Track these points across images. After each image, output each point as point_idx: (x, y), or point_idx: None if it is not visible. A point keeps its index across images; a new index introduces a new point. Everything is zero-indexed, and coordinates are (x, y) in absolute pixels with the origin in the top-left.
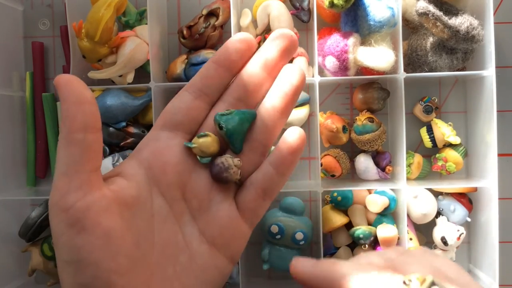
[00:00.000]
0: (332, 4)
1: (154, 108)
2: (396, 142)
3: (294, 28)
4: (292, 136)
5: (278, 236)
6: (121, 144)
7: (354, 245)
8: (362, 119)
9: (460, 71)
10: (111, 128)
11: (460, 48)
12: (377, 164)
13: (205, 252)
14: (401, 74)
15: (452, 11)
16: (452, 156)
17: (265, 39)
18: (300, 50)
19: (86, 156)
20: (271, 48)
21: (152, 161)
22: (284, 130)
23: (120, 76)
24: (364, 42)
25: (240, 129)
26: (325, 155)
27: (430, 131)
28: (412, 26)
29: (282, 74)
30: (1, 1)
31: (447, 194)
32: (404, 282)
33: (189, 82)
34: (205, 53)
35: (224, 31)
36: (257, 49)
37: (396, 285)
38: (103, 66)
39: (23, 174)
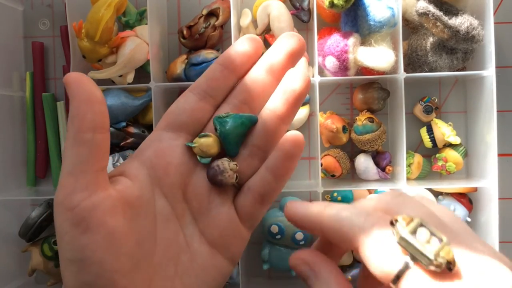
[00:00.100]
0: (332, 4)
1: (154, 108)
2: (396, 142)
3: (294, 28)
4: (289, 141)
5: (278, 236)
6: (121, 144)
7: None
8: (362, 119)
9: (460, 71)
10: (111, 128)
11: (460, 48)
12: (377, 164)
13: (205, 252)
14: (401, 74)
15: (452, 11)
16: (452, 156)
17: (265, 39)
18: None
19: (94, 156)
20: (277, 51)
21: (154, 162)
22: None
23: (120, 76)
24: (364, 42)
25: (234, 132)
26: (325, 155)
27: (430, 131)
28: (412, 26)
29: (285, 79)
30: (1, 1)
31: (447, 194)
32: (391, 222)
33: (194, 83)
34: (205, 53)
35: (224, 31)
36: (263, 49)
37: (383, 225)
38: (103, 66)
39: (23, 174)
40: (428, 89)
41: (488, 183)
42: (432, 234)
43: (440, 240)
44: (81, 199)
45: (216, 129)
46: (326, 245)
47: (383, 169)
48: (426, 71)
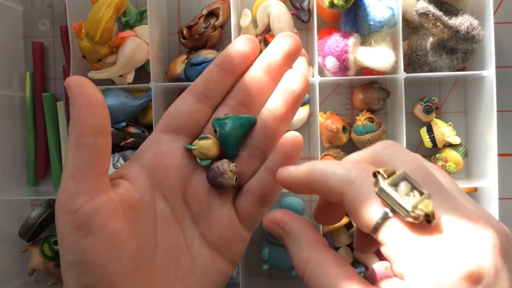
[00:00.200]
0: (332, 4)
1: (154, 108)
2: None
3: (294, 28)
4: (289, 142)
5: None
6: (121, 144)
7: None
8: (362, 119)
9: (460, 71)
10: (111, 128)
11: (460, 48)
12: None
13: (206, 255)
14: (401, 74)
15: (452, 11)
16: (452, 156)
17: (265, 39)
18: None
19: (95, 160)
20: (274, 52)
21: (154, 164)
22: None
23: (120, 76)
24: (364, 42)
25: (234, 134)
26: (325, 155)
27: (430, 131)
28: (412, 26)
29: (284, 80)
30: (1, 1)
31: None
32: (374, 174)
33: (192, 85)
34: (205, 53)
35: (224, 31)
36: (260, 49)
37: (366, 176)
38: (103, 66)
39: (23, 174)
40: (428, 89)
41: (488, 183)
42: (414, 187)
43: (422, 193)
44: (82, 203)
45: (215, 131)
46: (324, 208)
47: None
48: (426, 71)
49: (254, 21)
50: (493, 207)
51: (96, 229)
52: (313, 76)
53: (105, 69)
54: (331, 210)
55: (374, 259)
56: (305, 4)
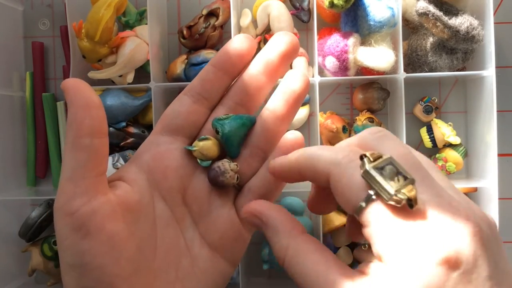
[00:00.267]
0: (332, 4)
1: (154, 108)
2: None
3: (294, 28)
4: (290, 141)
5: None
6: (121, 144)
7: (354, 245)
8: (362, 119)
9: (460, 71)
10: (111, 128)
11: (460, 48)
12: None
13: (206, 256)
14: (401, 74)
15: (452, 11)
16: (452, 156)
17: (265, 39)
18: (300, 50)
19: (92, 161)
20: (271, 52)
21: (152, 166)
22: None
23: (120, 76)
24: (364, 42)
25: (236, 134)
26: None
27: (430, 131)
28: (412, 26)
29: (285, 80)
30: (1, 1)
31: None
32: (361, 157)
33: (189, 85)
34: (205, 53)
35: (224, 31)
36: (257, 49)
37: (353, 159)
38: (103, 66)
39: (23, 174)
40: (428, 89)
41: (488, 183)
42: (399, 172)
43: (406, 178)
44: (80, 204)
45: (217, 132)
46: (317, 196)
47: None
48: (426, 71)
49: (254, 21)
50: (493, 207)
51: (94, 230)
52: (313, 76)
53: (105, 69)
54: (324, 198)
55: (374, 258)
56: (305, 4)
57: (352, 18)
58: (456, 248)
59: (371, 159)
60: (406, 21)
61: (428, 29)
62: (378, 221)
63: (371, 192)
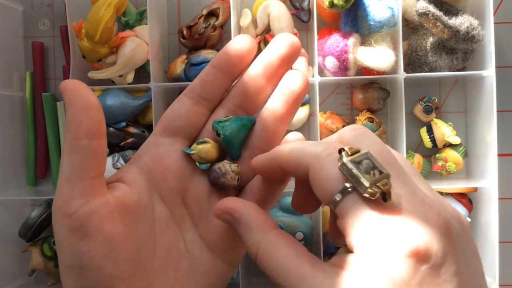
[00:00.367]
0: (332, 4)
1: (154, 108)
2: (396, 142)
3: (294, 28)
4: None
5: None
6: (121, 144)
7: None
8: (362, 119)
9: (460, 71)
10: (111, 128)
11: (460, 48)
12: None
13: (206, 257)
14: (401, 74)
15: (452, 11)
16: (452, 156)
17: (265, 39)
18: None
19: (90, 163)
20: (272, 54)
21: (152, 167)
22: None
23: (120, 76)
24: (364, 42)
25: (237, 136)
26: None
27: (430, 131)
28: (412, 26)
29: (284, 80)
30: (1, 1)
31: (447, 194)
32: (340, 150)
33: (188, 86)
34: (205, 53)
35: (224, 31)
36: (256, 49)
37: (331, 152)
38: (103, 66)
39: (23, 174)
40: (428, 89)
41: (488, 183)
42: (375, 167)
43: (382, 173)
44: (78, 206)
45: (218, 134)
46: (300, 194)
47: None
48: (426, 71)
49: (254, 21)
50: (493, 207)
51: (93, 231)
52: (313, 76)
53: (105, 69)
54: (306, 196)
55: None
56: (305, 4)
57: (352, 18)
58: (426, 242)
59: (349, 153)
60: (406, 21)
61: (428, 29)
62: (352, 213)
63: (347, 184)
